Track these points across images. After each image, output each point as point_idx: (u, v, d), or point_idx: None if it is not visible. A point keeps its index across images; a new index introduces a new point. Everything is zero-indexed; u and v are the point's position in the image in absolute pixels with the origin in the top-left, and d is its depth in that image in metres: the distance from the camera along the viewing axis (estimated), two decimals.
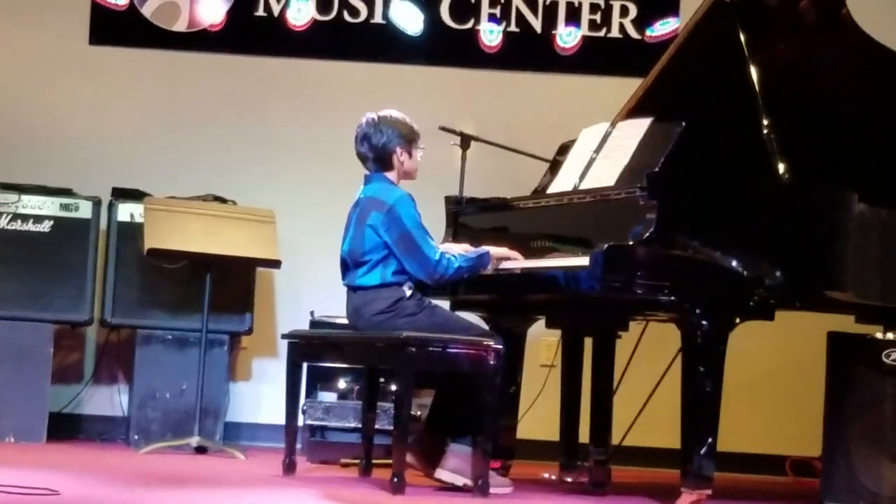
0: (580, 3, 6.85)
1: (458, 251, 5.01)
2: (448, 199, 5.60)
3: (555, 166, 5.47)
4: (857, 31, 5.20)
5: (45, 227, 6.19)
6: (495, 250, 4.98)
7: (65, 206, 6.21)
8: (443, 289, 5.20)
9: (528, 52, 6.87)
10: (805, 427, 5.72)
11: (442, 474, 4.89)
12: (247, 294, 6.37)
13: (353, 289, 4.97)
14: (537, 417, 5.70)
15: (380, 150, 4.97)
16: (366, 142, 4.98)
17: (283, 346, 5.50)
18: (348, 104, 6.69)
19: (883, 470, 4.84)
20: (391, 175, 5.00)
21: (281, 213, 6.21)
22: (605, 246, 4.45)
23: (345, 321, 5.17)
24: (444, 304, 5.25)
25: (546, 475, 5.55)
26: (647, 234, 4.48)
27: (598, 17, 6.85)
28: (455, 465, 4.88)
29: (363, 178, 5.04)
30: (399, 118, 5.00)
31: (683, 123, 4.81)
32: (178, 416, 6.13)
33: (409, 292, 4.88)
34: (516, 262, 4.98)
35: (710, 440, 4.54)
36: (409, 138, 4.99)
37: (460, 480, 4.86)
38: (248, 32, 6.86)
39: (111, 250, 6.26)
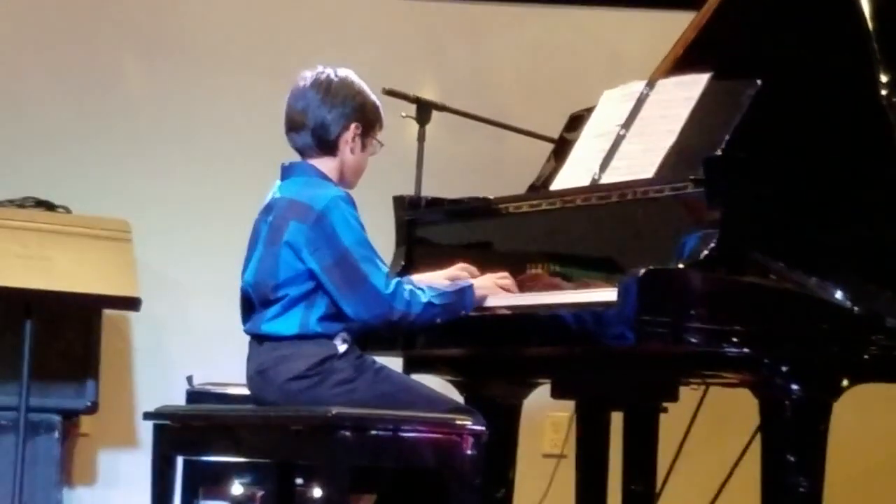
0: None
1: (440, 282, 4.97)
2: (399, 201, 5.61)
3: (561, 149, 5.50)
4: None
5: None
6: (482, 281, 4.97)
7: None
8: (392, 340, 5.19)
9: None
10: None
11: None
12: (89, 352, 6.40)
13: (258, 339, 4.94)
14: None
15: (323, 128, 4.91)
16: (306, 108, 4.91)
17: (145, 430, 5.50)
18: (240, 58, 6.74)
19: None
20: (327, 167, 4.95)
21: (139, 228, 6.26)
22: (642, 271, 4.43)
23: (242, 390, 5.17)
24: (396, 364, 5.23)
25: None
26: (706, 252, 4.48)
27: None
28: None
29: (280, 169, 4.98)
30: (363, 87, 4.97)
31: (759, 82, 4.82)
32: None
33: (342, 347, 4.85)
34: (507, 296, 4.97)
35: None
36: (370, 120, 4.96)
37: None
38: None
39: None
